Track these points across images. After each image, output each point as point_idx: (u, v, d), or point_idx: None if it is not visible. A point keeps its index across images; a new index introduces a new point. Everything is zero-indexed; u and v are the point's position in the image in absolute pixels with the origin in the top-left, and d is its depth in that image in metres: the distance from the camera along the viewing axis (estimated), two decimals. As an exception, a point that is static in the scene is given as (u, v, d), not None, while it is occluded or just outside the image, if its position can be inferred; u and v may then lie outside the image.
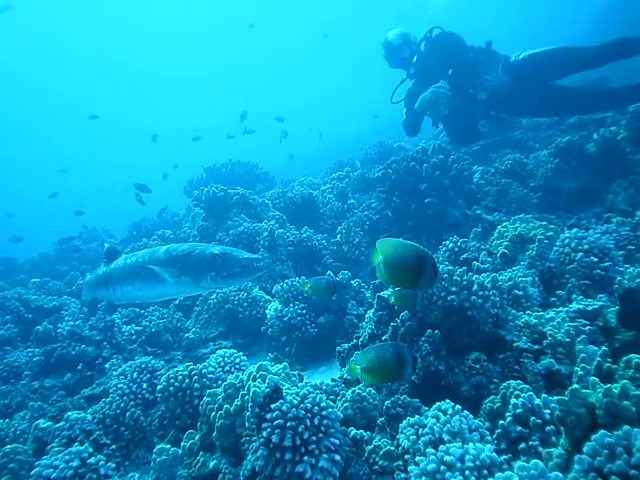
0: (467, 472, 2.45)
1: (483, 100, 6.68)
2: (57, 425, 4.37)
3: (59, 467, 3.53)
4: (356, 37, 43.23)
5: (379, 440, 3.14)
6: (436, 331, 3.59)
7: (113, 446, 4.25)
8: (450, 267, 3.77)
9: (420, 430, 2.90)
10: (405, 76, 7.24)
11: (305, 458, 2.86)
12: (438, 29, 6.81)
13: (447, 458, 2.51)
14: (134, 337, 6.49)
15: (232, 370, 4.46)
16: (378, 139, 11.87)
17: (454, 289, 3.61)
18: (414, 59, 6.91)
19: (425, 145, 6.69)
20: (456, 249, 5.17)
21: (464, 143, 7.78)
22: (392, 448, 3.03)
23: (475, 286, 3.61)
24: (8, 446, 4.20)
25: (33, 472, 3.56)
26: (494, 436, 2.79)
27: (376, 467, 3.01)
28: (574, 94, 6.65)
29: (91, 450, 3.74)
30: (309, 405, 3.02)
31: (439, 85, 6.42)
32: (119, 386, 4.65)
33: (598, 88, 7.08)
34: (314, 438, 2.92)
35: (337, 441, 2.97)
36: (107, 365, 5.84)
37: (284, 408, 3.00)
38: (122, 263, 4.46)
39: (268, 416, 3.01)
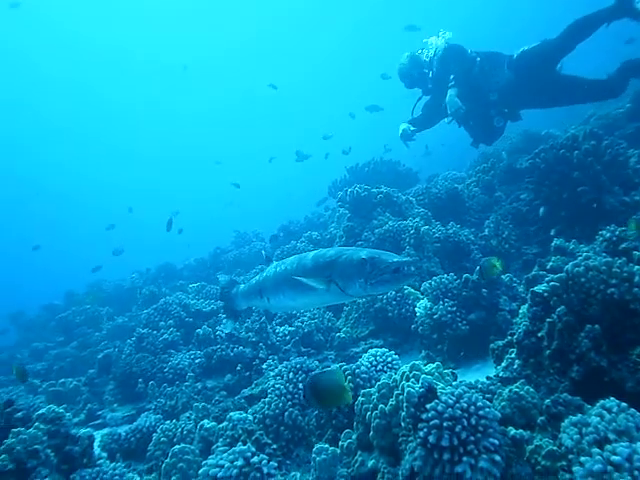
0: (636, 472, 2.33)
1: (495, 100, 7.29)
2: (220, 425, 4.58)
3: (224, 466, 3.70)
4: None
5: (540, 440, 3.04)
6: (596, 326, 3.42)
7: (274, 445, 4.40)
8: (609, 258, 3.59)
9: (583, 429, 2.78)
10: (421, 94, 8.13)
11: (464, 459, 2.82)
12: (444, 44, 7.74)
13: (614, 458, 2.40)
14: (288, 338, 6.71)
15: (385, 369, 4.46)
16: (523, 129, 11.44)
17: (614, 281, 3.43)
18: (430, 74, 7.68)
19: (575, 132, 6.41)
20: (614, 239, 4.92)
21: (485, 142, 7.98)
22: (554, 448, 2.92)
23: (637, 277, 3.41)
24: (177, 446, 4.45)
25: (201, 471, 3.75)
26: (665, 435, 2.63)
27: (538, 467, 2.91)
28: (578, 82, 7.05)
29: (254, 449, 3.89)
30: (465, 405, 2.98)
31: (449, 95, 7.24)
32: (276, 386, 4.78)
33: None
34: (472, 438, 2.88)
35: (496, 441, 2.90)
36: (264, 366, 6.07)
37: (439, 408, 2.98)
38: (272, 272, 4.53)
39: (424, 416, 3.01)
